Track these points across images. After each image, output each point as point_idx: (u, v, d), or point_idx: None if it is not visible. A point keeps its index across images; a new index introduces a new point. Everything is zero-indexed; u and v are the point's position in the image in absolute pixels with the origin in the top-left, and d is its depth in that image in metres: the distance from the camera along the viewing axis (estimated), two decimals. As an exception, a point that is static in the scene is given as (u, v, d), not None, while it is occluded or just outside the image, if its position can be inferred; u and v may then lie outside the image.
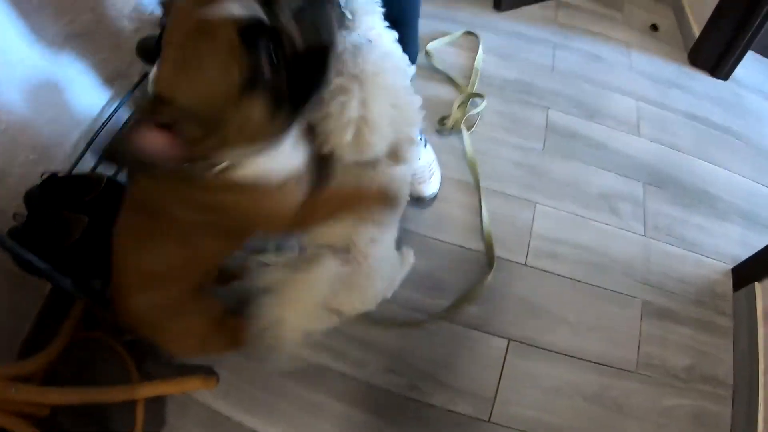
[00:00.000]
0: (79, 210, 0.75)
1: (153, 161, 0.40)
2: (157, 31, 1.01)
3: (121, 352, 0.92)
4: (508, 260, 1.08)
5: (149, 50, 1.00)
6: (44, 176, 0.79)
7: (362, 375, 0.93)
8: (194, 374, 0.90)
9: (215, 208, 0.56)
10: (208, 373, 0.92)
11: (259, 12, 0.38)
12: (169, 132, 0.40)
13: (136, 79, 1.06)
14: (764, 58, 1.73)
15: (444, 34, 1.48)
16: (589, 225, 1.16)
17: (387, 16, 0.66)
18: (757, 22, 1.46)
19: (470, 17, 1.55)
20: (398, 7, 0.79)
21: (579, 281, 1.07)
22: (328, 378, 0.93)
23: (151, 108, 0.40)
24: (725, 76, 1.59)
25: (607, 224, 1.16)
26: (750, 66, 1.64)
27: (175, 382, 0.88)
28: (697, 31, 1.61)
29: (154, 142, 0.39)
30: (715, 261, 1.17)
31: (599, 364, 0.99)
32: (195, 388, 0.90)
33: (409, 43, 0.81)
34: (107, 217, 0.76)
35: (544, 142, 1.29)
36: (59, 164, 0.93)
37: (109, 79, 1.03)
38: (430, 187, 1.11)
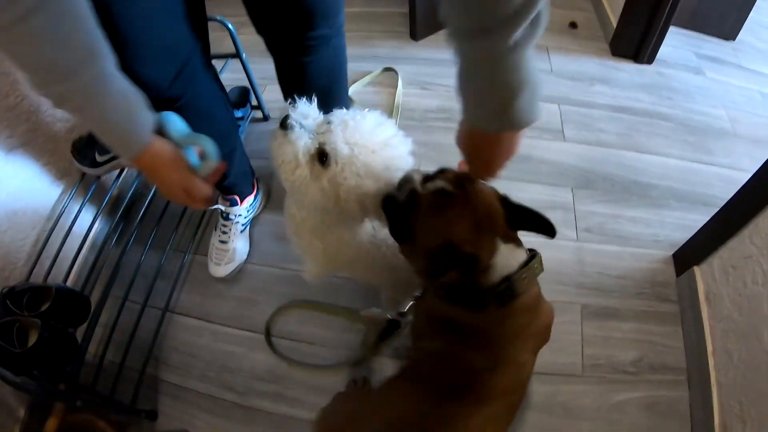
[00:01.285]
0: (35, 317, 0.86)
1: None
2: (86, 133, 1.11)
3: (107, 429, 1.00)
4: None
5: (82, 149, 1.11)
6: (3, 291, 0.89)
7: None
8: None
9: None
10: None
11: None
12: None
13: (77, 176, 1.16)
14: (689, 32, 1.77)
15: (365, 74, 1.56)
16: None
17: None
18: None
19: (390, 51, 1.63)
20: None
21: None
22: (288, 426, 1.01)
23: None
24: (649, 60, 1.63)
25: (536, 237, 1.20)
26: (673, 42, 1.68)
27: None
28: (614, 20, 1.66)
29: None
30: (654, 251, 1.21)
31: (544, 374, 1.03)
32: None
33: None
34: (59, 322, 0.88)
35: (469, 164, 1.35)
36: (21, 267, 1.04)
37: (55, 180, 1.13)
38: None
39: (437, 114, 1.45)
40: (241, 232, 1.22)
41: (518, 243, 0.61)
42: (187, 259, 1.24)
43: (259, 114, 1.53)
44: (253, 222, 1.28)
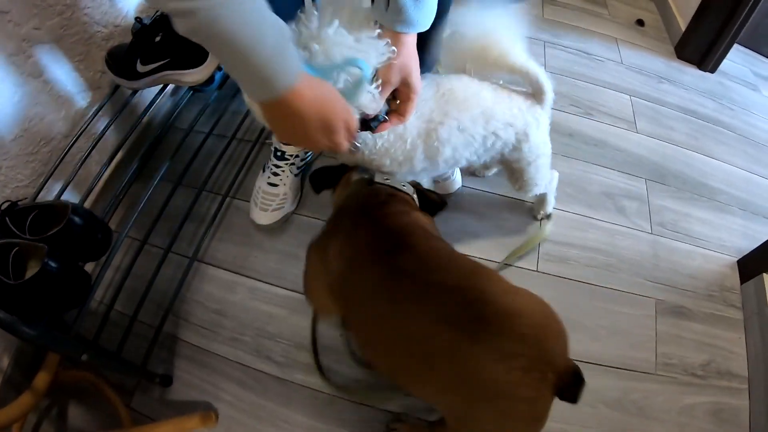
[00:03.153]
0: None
1: None
2: (127, 40, 0.97)
3: (107, 392, 0.86)
4: (519, 267, 1.07)
5: (119, 60, 0.96)
6: (2, 206, 0.72)
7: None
8: (191, 411, 0.85)
9: None
10: (205, 409, 0.87)
11: None
12: None
13: (107, 90, 1.01)
14: (748, 50, 1.81)
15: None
16: (596, 225, 1.16)
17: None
18: (742, 16, 1.51)
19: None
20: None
21: (592, 284, 1.07)
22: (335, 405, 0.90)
23: None
24: (712, 69, 1.64)
25: (614, 224, 1.17)
26: (735, 58, 1.70)
27: (171, 422, 0.83)
28: (683, 25, 1.66)
29: None
30: (721, 254, 1.19)
31: (618, 368, 0.99)
32: (194, 427, 0.84)
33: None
34: (71, 249, 0.72)
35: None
36: (25, 188, 0.87)
37: (81, 90, 0.98)
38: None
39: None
40: (296, 176, 1.08)
41: None
42: (225, 202, 1.10)
43: None
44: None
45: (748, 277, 1.15)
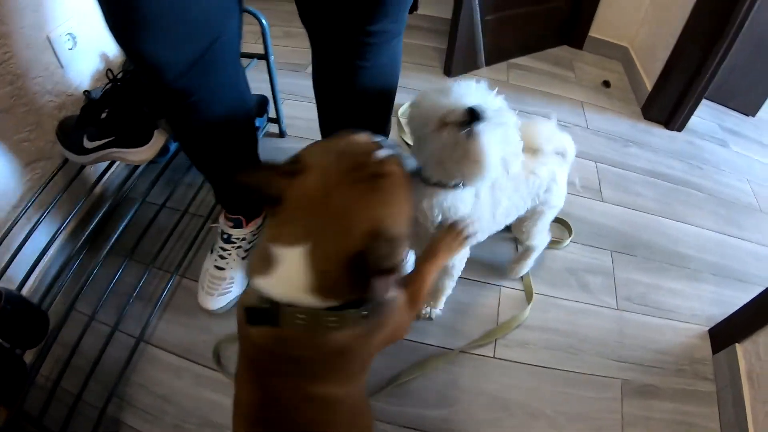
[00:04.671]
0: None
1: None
2: (77, 112, 0.99)
3: None
4: (475, 355, 1.07)
5: (68, 133, 0.99)
6: None
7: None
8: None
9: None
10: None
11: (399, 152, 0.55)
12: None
13: (58, 162, 1.03)
14: (715, 104, 1.86)
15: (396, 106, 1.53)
16: (558, 305, 1.17)
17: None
18: (709, 73, 1.56)
19: (421, 84, 1.62)
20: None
21: (552, 369, 1.07)
22: None
23: (393, 257, 0.45)
24: (680, 128, 1.69)
25: (576, 301, 1.18)
26: (703, 114, 1.75)
27: None
28: (649, 85, 1.72)
29: (391, 284, 0.46)
30: (691, 325, 1.20)
31: (585, 458, 0.98)
32: None
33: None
34: (5, 339, 0.73)
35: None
36: None
37: (30, 162, 0.99)
38: None
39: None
40: (243, 258, 1.10)
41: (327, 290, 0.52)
42: (173, 281, 1.11)
43: (275, 128, 1.46)
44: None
45: (720, 347, 1.15)
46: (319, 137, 1.07)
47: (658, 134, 1.65)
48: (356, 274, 0.44)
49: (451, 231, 0.77)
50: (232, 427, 0.60)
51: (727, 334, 1.15)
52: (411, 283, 0.69)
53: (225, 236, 1.08)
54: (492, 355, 1.07)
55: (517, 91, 1.67)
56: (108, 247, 0.99)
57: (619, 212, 1.38)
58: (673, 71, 1.62)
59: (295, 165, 0.49)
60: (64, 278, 0.94)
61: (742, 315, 1.12)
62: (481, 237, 0.94)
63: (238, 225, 1.06)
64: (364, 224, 0.46)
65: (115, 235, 1.01)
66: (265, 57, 1.24)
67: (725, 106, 1.88)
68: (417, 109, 0.75)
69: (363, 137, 0.54)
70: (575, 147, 0.99)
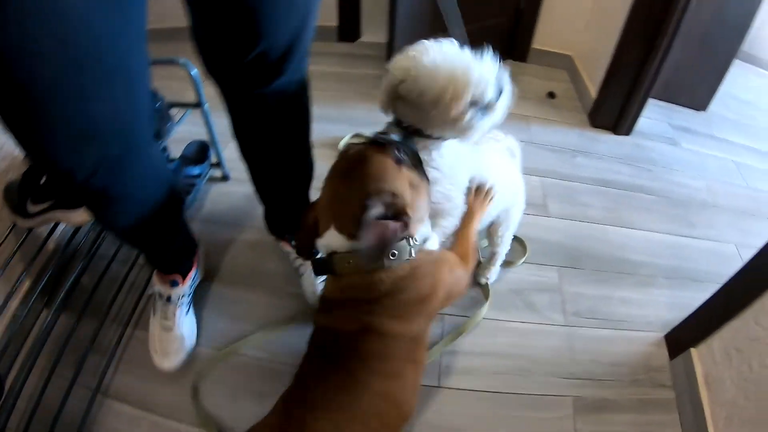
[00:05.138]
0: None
1: (391, 244, 0.65)
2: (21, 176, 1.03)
3: None
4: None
5: (13, 197, 1.02)
6: None
7: None
8: None
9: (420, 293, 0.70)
10: None
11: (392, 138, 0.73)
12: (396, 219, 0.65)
13: (7, 224, 1.05)
14: (664, 103, 1.88)
15: (336, 139, 1.56)
16: (504, 327, 1.18)
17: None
18: (652, 72, 1.59)
19: (365, 114, 1.65)
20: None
21: (500, 393, 1.07)
22: None
23: (393, 206, 0.65)
24: (627, 131, 1.71)
25: (523, 322, 1.19)
26: (651, 114, 1.77)
27: None
28: (593, 91, 1.75)
29: (395, 228, 0.64)
30: (646, 333, 1.21)
31: (536, 481, 0.99)
32: None
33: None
34: None
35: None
36: None
37: None
38: None
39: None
40: (186, 313, 1.12)
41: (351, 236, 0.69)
42: (125, 333, 1.13)
43: (218, 173, 1.49)
44: (197, 297, 1.19)
45: (677, 353, 1.16)
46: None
47: (606, 141, 1.68)
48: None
49: (478, 193, 0.93)
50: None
51: (682, 339, 1.16)
52: (457, 245, 0.88)
53: (165, 297, 1.10)
54: (437, 384, 1.07)
55: (462, 113, 1.70)
56: (59, 303, 1.04)
57: (565, 226, 1.40)
58: (615, 75, 1.64)
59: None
60: (25, 333, 0.98)
61: (696, 319, 1.13)
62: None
63: (175, 284, 1.09)
64: (356, 199, 0.64)
65: (64, 290, 1.06)
66: (199, 105, 1.26)
67: (675, 103, 1.91)
68: (427, 70, 0.74)
69: (357, 145, 0.72)
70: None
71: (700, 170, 1.66)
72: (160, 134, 1.19)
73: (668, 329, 1.21)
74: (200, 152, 1.40)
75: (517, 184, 1.10)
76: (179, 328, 1.10)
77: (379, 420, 0.69)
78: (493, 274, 1.23)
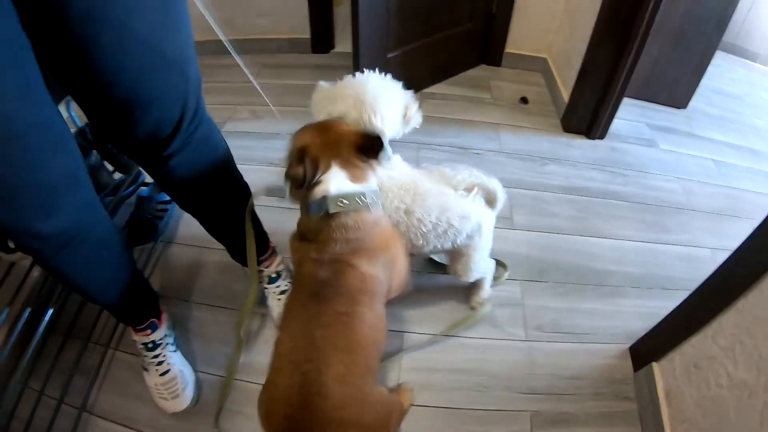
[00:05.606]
0: None
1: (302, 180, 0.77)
2: None
3: None
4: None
5: None
6: None
7: None
8: None
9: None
10: None
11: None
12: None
13: None
14: (642, 102, 1.85)
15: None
16: (464, 344, 1.19)
17: None
18: (625, 72, 1.55)
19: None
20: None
21: (458, 408, 1.09)
22: None
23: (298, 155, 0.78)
24: (602, 135, 1.69)
25: (483, 338, 1.20)
26: (627, 115, 1.75)
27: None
28: (566, 95, 1.72)
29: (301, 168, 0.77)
30: (610, 345, 1.21)
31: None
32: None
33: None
34: None
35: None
36: None
37: None
38: None
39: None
40: (174, 351, 1.15)
41: (357, 177, 0.81)
42: (107, 354, 1.18)
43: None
44: (178, 326, 1.23)
45: (640, 366, 1.16)
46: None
47: (579, 146, 1.66)
48: (363, 158, 0.81)
49: None
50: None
51: (645, 351, 1.16)
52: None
53: (149, 346, 1.11)
54: (394, 403, 1.10)
55: (430, 123, 1.68)
56: (45, 325, 1.10)
57: (531, 238, 1.40)
58: (587, 76, 1.61)
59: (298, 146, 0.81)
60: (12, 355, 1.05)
61: (658, 332, 1.13)
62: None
63: (154, 328, 1.10)
64: (347, 137, 0.80)
65: (51, 316, 1.12)
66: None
67: (655, 102, 1.88)
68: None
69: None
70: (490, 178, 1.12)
71: (676, 172, 1.63)
72: (102, 186, 1.25)
73: (634, 340, 1.20)
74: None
75: (469, 214, 1.05)
76: (175, 365, 1.12)
77: (375, 347, 0.80)
78: (485, 294, 1.23)
